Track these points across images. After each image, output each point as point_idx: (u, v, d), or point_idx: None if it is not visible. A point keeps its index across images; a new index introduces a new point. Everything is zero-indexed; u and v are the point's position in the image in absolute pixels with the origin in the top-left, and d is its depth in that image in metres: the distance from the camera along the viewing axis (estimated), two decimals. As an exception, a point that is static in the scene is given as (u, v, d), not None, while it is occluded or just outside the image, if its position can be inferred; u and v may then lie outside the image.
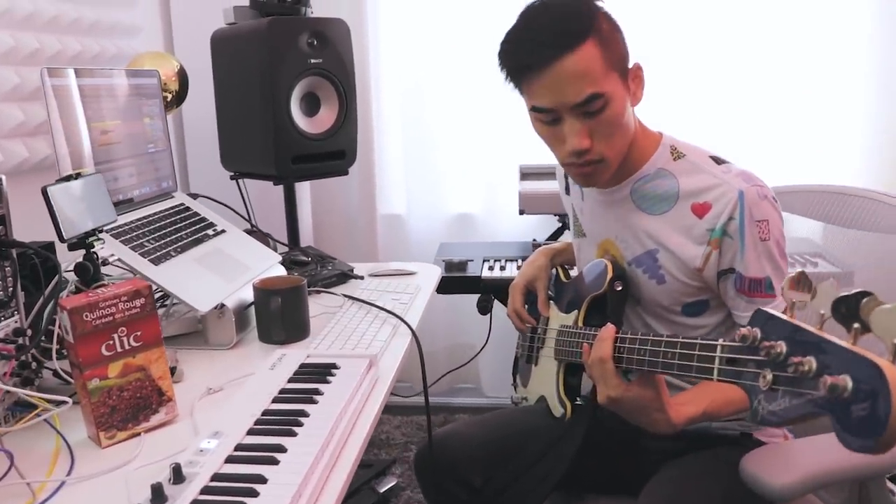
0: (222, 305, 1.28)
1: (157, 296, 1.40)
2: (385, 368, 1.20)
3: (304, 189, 2.75)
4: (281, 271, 1.53)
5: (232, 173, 2.15)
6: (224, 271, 1.38)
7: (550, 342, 1.35)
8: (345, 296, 1.53)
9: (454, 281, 2.00)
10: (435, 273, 1.78)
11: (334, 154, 2.06)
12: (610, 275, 1.25)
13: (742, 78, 2.41)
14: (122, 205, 1.38)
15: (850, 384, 0.59)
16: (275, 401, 1.00)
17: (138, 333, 0.97)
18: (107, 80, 1.36)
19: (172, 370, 1.15)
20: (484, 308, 1.98)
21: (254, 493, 0.77)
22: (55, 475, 0.88)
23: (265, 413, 0.96)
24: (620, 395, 1.03)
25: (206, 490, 0.78)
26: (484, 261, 2.10)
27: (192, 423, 1.02)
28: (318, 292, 1.58)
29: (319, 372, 1.09)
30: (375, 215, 2.75)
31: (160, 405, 1.00)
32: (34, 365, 1.03)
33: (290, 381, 1.07)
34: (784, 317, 0.70)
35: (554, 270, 1.48)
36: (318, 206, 2.83)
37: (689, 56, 2.42)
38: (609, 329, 1.06)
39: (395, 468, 2.44)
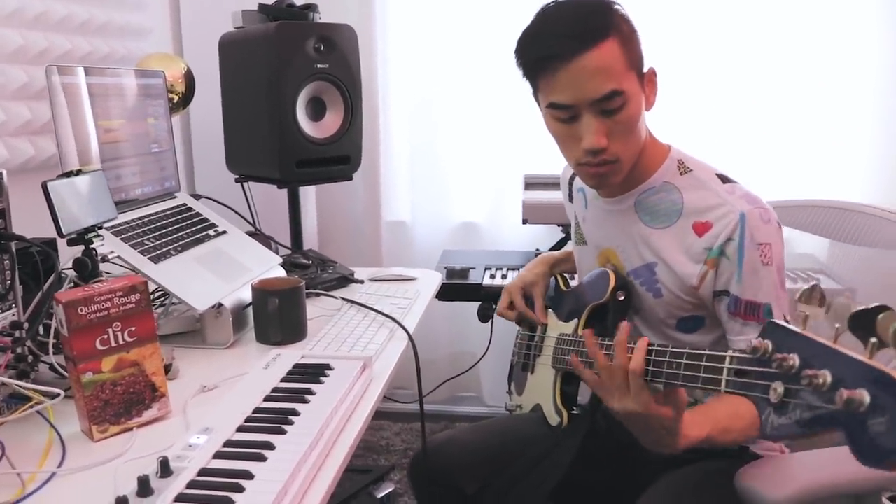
0: (220, 305, 1.29)
1: (156, 294, 1.41)
2: (380, 371, 1.20)
3: (309, 194, 2.76)
4: (281, 273, 1.54)
5: (237, 176, 2.17)
6: (223, 271, 1.40)
7: (548, 350, 1.35)
8: (343, 299, 1.54)
9: (455, 288, 2.01)
10: (435, 279, 1.79)
11: (339, 159, 2.06)
12: (612, 284, 1.25)
13: (748, 91, 2.41)
14: (124, 203, 1.39)
15: (867, 398, 0.58)
16: (266, 399, 1.01)
17: (133, 329, 0.98)
18: (113, 79, 1.38)
19: (168, 367, 1.17)
20: (484, 316, 1.99)
21: (240, 489, 0.78)
22: (46, 467, 0.89)
23: (256, 411, 0.97)
24: (646, 411, 0.98)
25: (192, 484, 0.79)
26: (486, 269, 2.11)
27: (185, 419, 1.03)
28: (318, 295, 1.59)
29: (313, 372, 1.10)
30: (380, 222, 2.76)
31: (153, 401, 1.01)
32: (30, 358, 1.04)
33: (283, 380, 1.08)
34: (797, 329, 0.70)
35: (553, 279, 1.48)
36: (323, 211, 2.84)
37: (694, 68, 2.42)
38: (643, 340, 1.00)
39: (393, 474, 2.44)
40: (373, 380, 1.16)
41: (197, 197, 1.64)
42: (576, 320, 1.30)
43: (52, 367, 1.09)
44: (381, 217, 2.77)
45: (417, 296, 1.61)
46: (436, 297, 2.00)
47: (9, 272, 1.02)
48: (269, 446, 0.87)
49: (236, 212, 1.77)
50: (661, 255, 1.20)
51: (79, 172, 1.12)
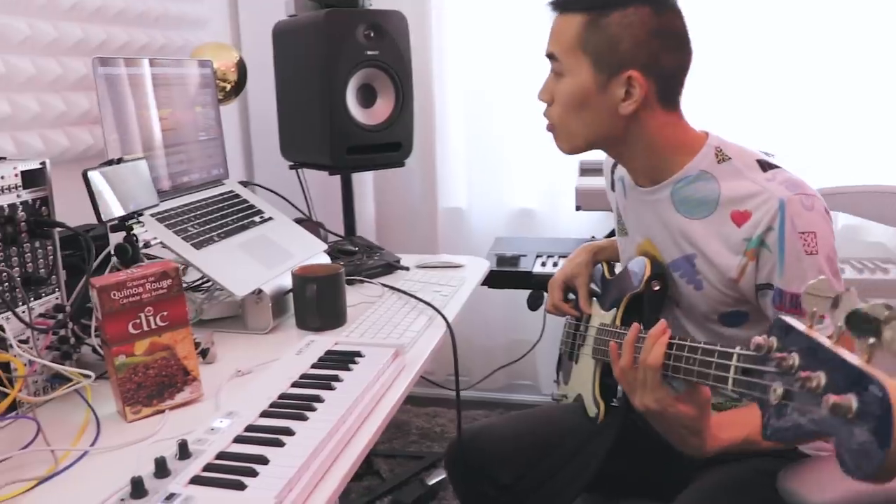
0: (259, 291, 1.32)
1: (200, 280, 1.45)
2: (414, 358, 1.20)
3: (366, 181, 2.79)
4: (325, 260, 1.56)
5: (291, 163, 2.21)
6: (266, 258, 1.42)
7: (590, 340, 1.32)
8: (383, 285, 1.54)
9: (505, 276, 1.99)
10: (482, 267, 1.78)
11: (390, 146, 2.09)
12: (648, 273, 1.21)
13: (813, 76, 2.30)
14: (169, 190, 1.43)
15: (854, 405, 0.55)
16: (294, 385, 1.02)
17: (165, 313, 1.00)
18: (160, 69, 1.41)
19: (205, 352, 1.20)
20: (534, 304, 1.96)
21: (253, 473, 0.79)
22: (80, 445, 0.93)
23: (281, 396, 0.98)
24: (664, 408, 0.97)
25: (208, 467, 0.80)
26: (537, 256, 2.08)
27: (216, 402, 1.05)
28: (361, 282, 1.60)
29: (343, 359, 1.11)
30: (436, 208, 2.77)
31: (185, 384, 1.04)
32: (73, 340, 1.08)
33: (312, 366, 1.09)
34: (801, 327, 0.67)
35: (599, 266, 1.45)
36: (380, 199, 2.86)
37: (758, 54, 2.32)
38: (660, 329, 0.99)
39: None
40: (405, 367, 1.16)
41: (245, 184, 1.67)
42: (614, 310, 1.27)
43: (94, 350, 1.13)
44: (438, 204, 2.77)
45: (462, 283, 1.61)
46: (486, 284, 2.00)
47: (52, 258, 1.06)
48: (289, 432, 0.88)
49: (285, 198, 1.80)
50: (700, 247, 1.16)
51: (120, 161, 1.16)
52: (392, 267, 1.69)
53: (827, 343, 0.61)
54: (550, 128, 1.21)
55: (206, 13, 2.22)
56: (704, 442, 0.96)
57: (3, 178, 0.98)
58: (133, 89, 1.33)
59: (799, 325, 0.67)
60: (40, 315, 1.04)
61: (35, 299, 1.04)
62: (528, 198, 2.69)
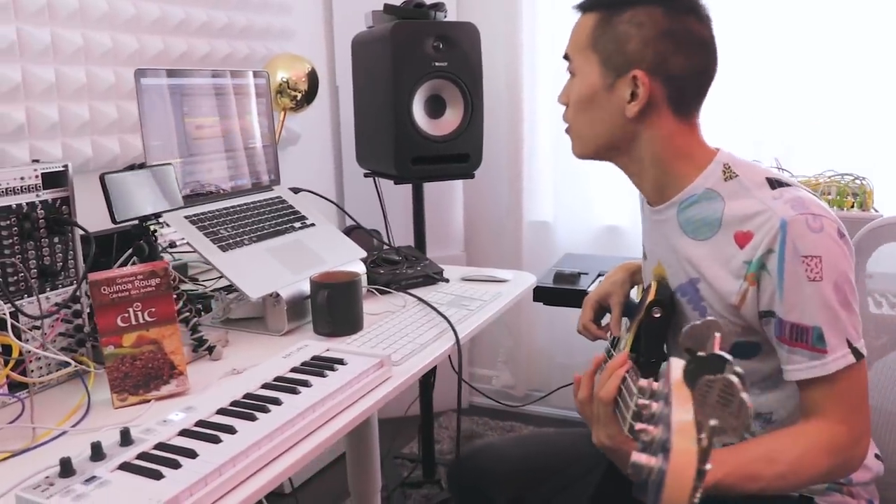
0: (277, 294, 1.39)
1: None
2: (406, 369, 1.22)
3: (455, 191, 2.84)
4: (359, 268, 1.61)
5: (365, 171, 2.29)
6: (294, 263, 1.49)
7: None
8: (411, 295, 1.58)
9: (559, 293, 1.96)
10: (527, 283, 1.76)
11: (457, 157, 2.11)
12: (650, 298, 1.17)
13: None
14: (210, 194, 1.54)
15: (649, 469, 0.52)
16: (263, 386, 1.08)
17: (153, 310, 1.09)
18: (206, 80, 1.53)
19: (211, 348, 1.28)
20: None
21: (177, 466, 0.85)
22: (65, 426, 1.03)
23: (246, 396, 1.04)
24: (616, 445, 0.96)
25: (142, 455, 0.87)
26: (599, 275, 2.04)
27: (201, 397, 1.12)
28: (387, 292, 1.63)
29: (323, 365, 1.15)
30: (521, 222, 2.77)
31: (171, 377, 1.12)
32: (87, 329, 1.20)
33: (292, 370, 1.14)
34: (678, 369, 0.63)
35: (635, 288, 1.42)
36: (470, 210, 2.91)
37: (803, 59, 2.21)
38: (618, 361, 0.97)
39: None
40: (391, 378, 1.18)
41: (296, 191, 1.75)
42: (627, 336, 1.24)
43: (109, 339, 1.24)
44: (523, 217, 2.78)
45: (495, 298, 1.60)
46: (540, 301, 1.99)
47: (71, 252, 1.18)
48: (231, 430, 0.93)
49: (337, 205, 1.87)
50: (702, 271, 1.10)
51: (142, 166, 1.27)
52: (432, 278, 1.72)
53: (668, 389, 0.57)
54: (567, 130, 1.23)
55: (293, 25, 2.35)
56: None
57: (23, 178, 1.10)
58: (176, 98, 1.45)
59: (675, 367, 0.63)
60: (56, 305, 1.16)
61: (52, 290, 1.16)
62: (616, 214, 2.63)
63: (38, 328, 1.12)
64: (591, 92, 1.13)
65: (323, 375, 1.12)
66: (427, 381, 2.35)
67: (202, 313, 1.48)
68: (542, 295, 1.97)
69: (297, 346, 1.24)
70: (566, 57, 1.18)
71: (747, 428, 0.60)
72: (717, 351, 0.56)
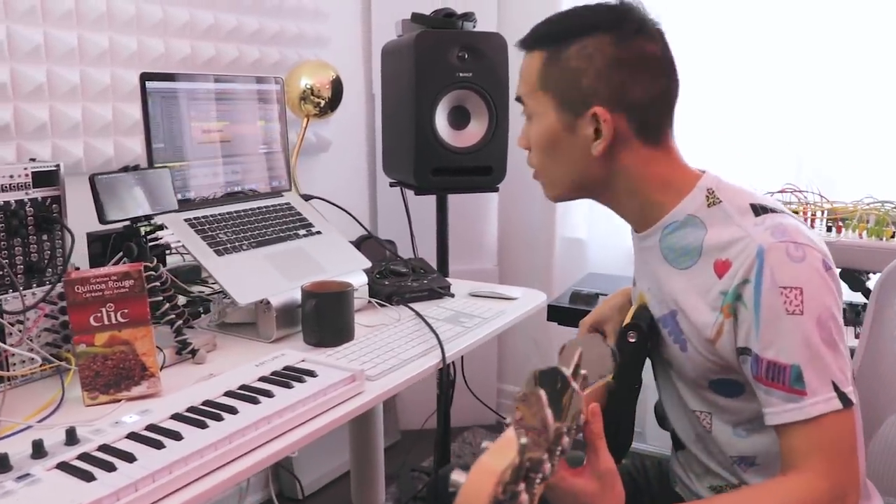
0: (268, 301, 1.40)
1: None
2: (382, 385, 1.22)
3: (490, 204, 2.82)
4: (360, 278, 1.61)
5: (392, 181, 2.30)
6: (291, 270, 1.50)
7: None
8: (405, 304, 1.58)
9: (574, 313, 1.92)
10: (536, 301, 1.73)
11: (480, 169, 2.10)
12: (625, 321, 1.14)
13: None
14: (215, 199, 1.57)
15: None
16: (226, 394, 1.09)
17: (125, 311, 1.12)
18: (216, 84, 1.56)
19: (194, 351, 1.30)
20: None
21: (112, 468, 0.86)
22: (31, 421, 1.06)
23: (205, 403, 1.05)
24: (555, 481, 0.89)
25: (82, 456, 0.89)
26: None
27: (162, 401, 1.14)
28: (397, 303, 1.63)
29: (292, 376, 1.15)
30: (555, 238, 2.74)
31: (143, 378, 1.14)
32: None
33: (260, 379, 1.15)
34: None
35: (631, 315, 1.37)
36: (504, 223, 2.89)
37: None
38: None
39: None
40: (362, 392, 1.18)
41: (307, 197, 1.77)
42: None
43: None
44: (556, 232, 2.74)
45: (497, 316, 1.58)
46: (555, 320, 1.96)
47: (59, 249, 1.22)
48: (178, 437, 0.94)
49: (351, 214, 1.88)
50: (680, 302, 1.06)
51: (135, 168, 1.30)
52: (437, 293, 1.70)
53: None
54: (535, 175, 1.17)
55: (328, 32, 2.38)
56: None
57: (12, 176, 1.15)
58: (183, 103, 1.48)
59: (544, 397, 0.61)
60: (44, 301, 1.20)
61: (38, 286, 1.20)
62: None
63: (21, 322, 1.16)
64: (552, 135, 1.09)
65: (289, 386, 1.12)
66: (445, 394, 2.33)
67: (198, 315, 1.51)
68: (556, 314, 1.93)
69: (273, 354, 1.25)
70: (518, 99, 1.14)
71: (554, 442, 0.62)
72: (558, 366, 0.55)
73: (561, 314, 1.92)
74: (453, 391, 2.31)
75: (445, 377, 1.28)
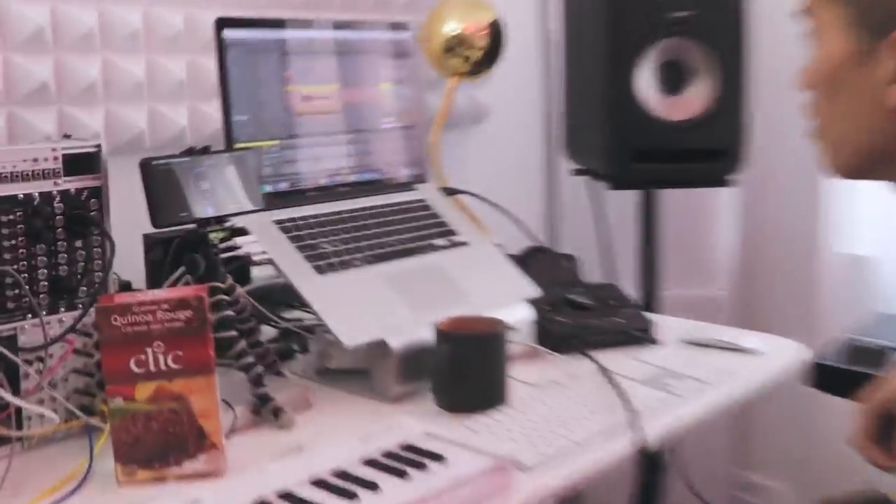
0: (386, 344, 1.34)
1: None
2: (544, 479, 1.13)
3: (721, 204, 2.74)
4: (519, 313, 1.54)
5: (573, 169, 2.23)
6: (422, 299, 1.45)
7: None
8: (584, 353, 1.50)
9: (851, 378, 1.73)
10: (789, 356, 1.59)
11: (706, 153, 1.99)
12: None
13: None
14: (318, 192, 1.54)
15: None
16: (313, 483, 1.05)
17: (179, 353, 1.08)
18: (320, 32, 1.53)
19: (278, 412, 1.26)
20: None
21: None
22: (44, 501, 1.04)
23: (283, 496, 1.01)
24: None
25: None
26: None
27: (235, 483, 1.09)
28: (551, 353, 1.55)
29: (409, 460, 1.11)
30: (824, 254, 2.64)
31: (199, 450, 1.10)
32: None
33: (365, 462, 1.10)
34: None
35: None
36: (743, 231, 2.77)
37: None
38: None
39: None
40: (511, 488, 1.09)
41: (451, 192, 1.71)
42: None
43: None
44: (827, 247, 2.62)
45: (731, 378, 1.47)
46: (822, 388, 1.81)
47: (97, 261, 1.22)
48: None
49: (515, 217, 1.80)
50: None
51: (205, 150, 1.27)
52: (633, 337, 1.59)
53: None
54: (814, 134, 1.15)
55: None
56: None
57: (36, 160, 1.14)
58: (275, 58, 1.47)
59: None
60: (75, 330, 1.19)
61: (67, 310, 1.19)
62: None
63: (42, 360, 1.15)
64: (834, 67, 1.05)
65: (403, 476, 1.07)
66: (647, 493, 2.19)
67: (291, 355, 1.49)
68: (824, 379, 1.76)
69: (388, 422, 1.21)
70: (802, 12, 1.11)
71: None
72: None
73: (831, 379, 1.74)
74: (663, 485, 2.17)
75: (647, 467, 1.16)
